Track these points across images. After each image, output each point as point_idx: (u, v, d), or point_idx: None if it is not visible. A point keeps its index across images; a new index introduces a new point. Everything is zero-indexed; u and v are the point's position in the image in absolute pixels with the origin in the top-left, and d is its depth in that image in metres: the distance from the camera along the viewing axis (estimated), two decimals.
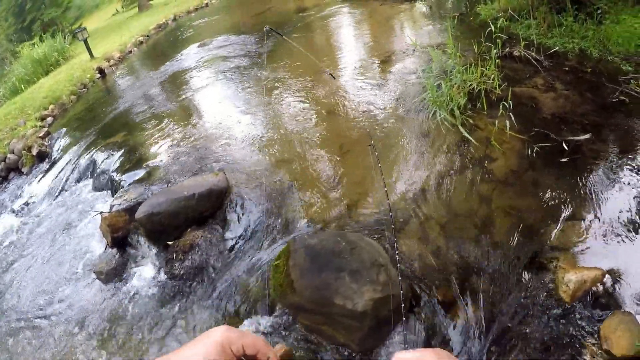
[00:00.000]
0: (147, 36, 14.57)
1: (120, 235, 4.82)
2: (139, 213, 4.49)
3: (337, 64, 7.15)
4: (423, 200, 3.83)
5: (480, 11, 7.30)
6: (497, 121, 4.34)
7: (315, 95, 6.22)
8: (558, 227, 3.37)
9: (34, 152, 8.13)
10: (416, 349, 0.73)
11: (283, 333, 3.30)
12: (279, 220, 4.13)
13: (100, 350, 3.97)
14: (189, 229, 4.40)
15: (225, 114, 6.53)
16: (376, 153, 3.18)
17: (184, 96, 7.95)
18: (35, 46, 15.02)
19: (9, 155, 8.34)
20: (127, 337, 3.98)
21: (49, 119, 9.65)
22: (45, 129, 8.95)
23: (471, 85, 4.83)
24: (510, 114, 4.28)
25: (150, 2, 20.86)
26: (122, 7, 23.69)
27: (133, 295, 4.37)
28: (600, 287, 2.90)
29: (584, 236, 3.26)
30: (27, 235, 6.13)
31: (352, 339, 3.01)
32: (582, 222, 3.36)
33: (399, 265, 3.28)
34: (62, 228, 5.88)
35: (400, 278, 2.51)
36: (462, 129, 4.34)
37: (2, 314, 4.86)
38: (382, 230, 3.62)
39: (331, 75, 3.70)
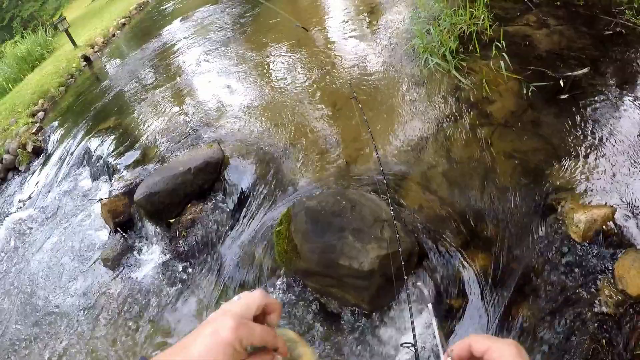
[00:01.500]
0: (129, 17, 14.36)
1: (121, 219, 4.83)
2: (138, 195, 4.46)
3: (323, 19, 6.99)
4: (422, 149, 3.74)
5: None
6: (491, 62, 4.21)
7: (304, 54, 6.08)
8: (563, 167, 3.26)
9: (29, 148, 8.20)
10: (495, 337, 0.68)
11: (293, 298, 3.28)
12: (278, 185, 4.09)
13: (111, 335, 4.02)
14: (189, 205, 4.37)
15: (214, 85, 6.44)
16: (360, 105, 3.07)
17: (171, 73, 7.86)
18: (18, 44, 14.89)
19: (5, 156, 8.41)
20: (137, 321, 4.02)
21: (40, 114, 9.67)
22: (38, 125, 8.98)
23: (461, 28, 4.66)
24: (504, 54, 4.12)
25: None
26: None
27: (141, 278, 4.42)
28: (612, 225, 2.79)
29: (590, 174, 3.14)
30: (32, 230, 6.23)
31: (362, 299, 2.96)
32: (587, 159, 3.25)
33: (403, 219, 3.23)
34: (65, 219, 5.95)
35: (398, 235, 2.43)
36: (456, 74, 4.21)
37: (14, 308, 4.95)
38: (384, 184, 3.56)
39: (303, 27, 3.57)
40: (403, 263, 2.31)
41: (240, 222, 4.06)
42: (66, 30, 12.32)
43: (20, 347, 4.47)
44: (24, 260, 5.66)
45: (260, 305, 0.70)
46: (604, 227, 2.78)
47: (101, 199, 5.10)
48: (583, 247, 2.78)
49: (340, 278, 2.93)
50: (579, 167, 3.22)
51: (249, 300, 0.69)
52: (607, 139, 3.32)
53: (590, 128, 3.46)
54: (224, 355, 0.61)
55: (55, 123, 8.73)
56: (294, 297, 3.29)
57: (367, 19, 6.30)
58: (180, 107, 6.27)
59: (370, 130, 2.76)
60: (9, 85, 12.83)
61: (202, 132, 5.29)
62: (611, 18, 4.40)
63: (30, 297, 5.00)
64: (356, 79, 4.98)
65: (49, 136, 8.39)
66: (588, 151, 3.30)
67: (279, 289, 3.38)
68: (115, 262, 4.69)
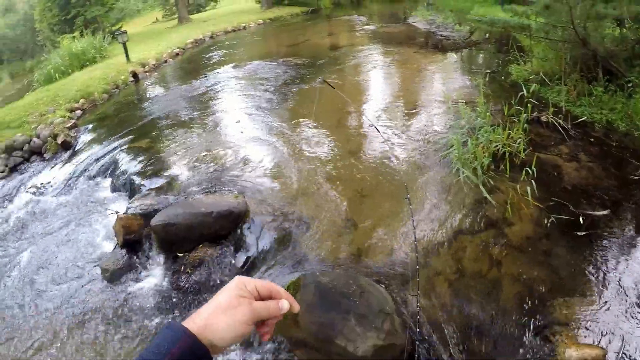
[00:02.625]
0: (183, 49, 14.99)
1: (132, 238, 4.84)
2: (155, 221, 4.54)
3: (363, 107, 7.25)
4: (434, 254, 3.85)
5: (512, 71, 7.41)
6: (518, 186, 4.39)
7: (340, 135, 6.32)
8: (565, 301, 3.36)
9: (59, 140, 8.32)
10: None
11: None
12: (291, 253, 4.16)
13: (87, 345, 3.94)
14: (201, 245, 4.44)
15: (250, 139, 6.63)
16: (411, 207, 3.22)
17: (211, 115, 8.10)
18: (75, 40, 15.39)
19: (34, 139, 8.50)
20: (117, 338, 3.95)
21: (78, 112, 9.92)
22: (73, 121, 9.19)
23: (497, 146, 4.87)
24: (532, 180, 4.31)
25: (190, 17, 21.48)
26: (163, 17, 24.47)
27: (134, 298, 4.36)
28: None
29: (589, 313, 3.25)
30: (39, 219, 6.19)
31: None
32: (589, 298, 3.36)
33: (403, 316, 3.30)
34: (74, 218, 5.96)
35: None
36: (482, 189, 4.37)
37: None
38: (393, 279, 3.65)
39: (376, 129, 3.73)
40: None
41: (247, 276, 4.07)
42: (124, 43, 12.83)
43: None
44: (20, 247, 5.59)
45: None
46: None
47: (118, 212, 5.14)
48: None
49: (332, 356, 2.98)
50: (580, 304, 3.32)
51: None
52: (612, 284, 3.44)
53: (598, 270, 3.58)
54: (233, 291, 0.83)
55: (90, 126, 8.97)
56: None
57: (407, 116, 6.59)
58: (212, 150, 6.42)
59: (415, 232, 2.88)
60: (57, 75, 13.25)
61: (228, 180, 5.39)
62: (639, 163, 4.58)
63: (12, 287, 4.90)
64: (385, 172, 5.16)
65: (81, 135, 8.59)
66: (591, 291, 3.41)
67: (267, 351, 3.38)
68: (114, 275, 4.65)
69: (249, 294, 0.84)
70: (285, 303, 0.87)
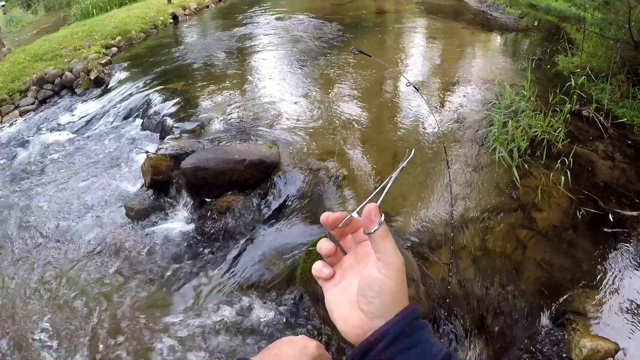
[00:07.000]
0: None
1: (160, 179, 4.83)
2: (185, 163, 4.51)
3: (401, 74, 7.15)
4: (461, 229, 3.86)
5: (558, 61, 7.26)
6: (551, 174, 4.34)
7: (376, 98, 6.24)
8: (584, 292, 3.40)
9: (92, 76, 8.29)
10: None
11: (297, 318, 3.37)
12: (320, 210, 4.13)
13: (102, 283, 3.97)
14: (229, 192, 4.44)
15: (285, 92, 6.57)
16: (448, 170, 3.22)
17: (249, 64, 8.05)
18: None
19: (66, 73, 8.47)
20: (130, 277, 3.97)
21: (114, 49, 9.86)
22: (108, 58, 9.14)
23: (536, 132, 4.81)
24: (567, 170, 4.27)
25: None
26: None
27: (157, 239, 4.36)
28: None
29: (606, 307, 3.29)
30: (65, 154, 6.22)
31: None
32: (608, 294, 3.39)
33: (426, 285, 3.34)
34: (101, 155, 5.99)
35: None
36: (515, 172, 4.34)
37: (21, 227, 4.82)
38: (420, 246, 3.68)
39: (415, 87, 3.69)
40: None
41: (272, 228, 4.11)
42: None
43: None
44: (44, 179, 5.63)
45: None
46: None
47: (148, 152, 5.09)
48: None
49: None
50: (599, 298, 3.36)
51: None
52: (632, 282, 3.48)
53: (621, 268, 3.60)
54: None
55: (125, 64, 8.92)
56: (298, 317, 3.38)
57: (446, 89, 6.49)
58: (247, 99, 6.39)
59: (452, 197, 2.89)
60: (94, 10, 13.22)
61: (260, 133, 5.35)
62: None
63: (34, 220, 4.91)
64: (421, 140, 5.14)
65: (115, 72, 8.55)
66: (611, 288, 3.44)
67: (285, 304, 3.45)
68: (138, 214, 4.66)
69: None
70: None
